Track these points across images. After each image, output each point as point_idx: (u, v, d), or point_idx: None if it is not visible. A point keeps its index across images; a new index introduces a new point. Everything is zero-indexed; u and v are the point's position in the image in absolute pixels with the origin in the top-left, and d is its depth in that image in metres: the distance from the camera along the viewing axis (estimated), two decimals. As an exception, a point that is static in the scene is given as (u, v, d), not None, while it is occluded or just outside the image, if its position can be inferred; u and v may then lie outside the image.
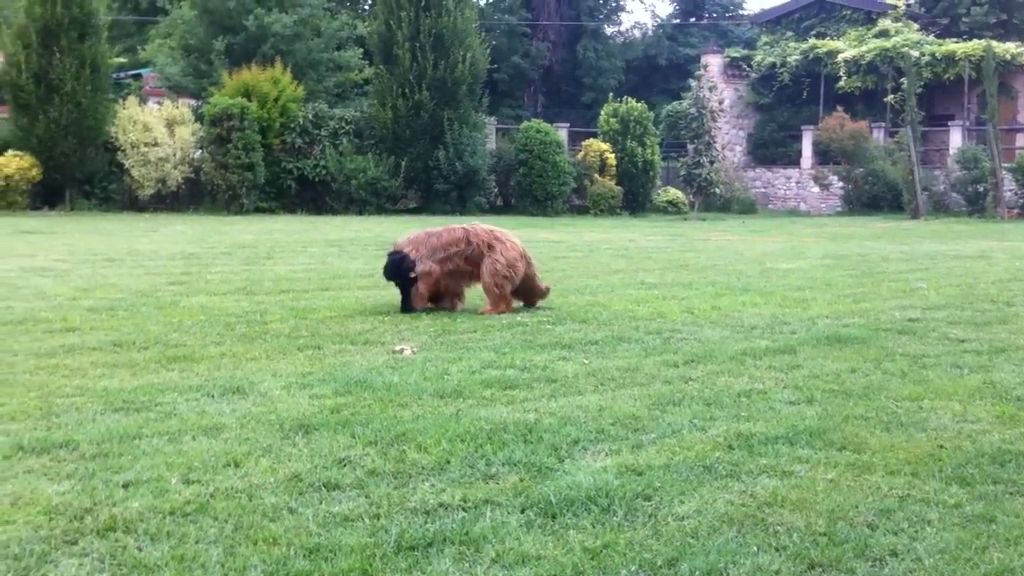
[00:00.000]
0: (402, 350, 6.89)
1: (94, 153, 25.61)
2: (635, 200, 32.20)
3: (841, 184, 35.92)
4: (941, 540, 3.58)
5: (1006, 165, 31.59)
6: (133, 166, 25.87)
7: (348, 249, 15.23)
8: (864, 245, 18.13)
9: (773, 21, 42.98)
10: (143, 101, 28.81)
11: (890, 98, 36.28)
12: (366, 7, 44.38)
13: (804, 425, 5.00)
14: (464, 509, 3.81)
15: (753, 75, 41.01)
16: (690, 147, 31.98)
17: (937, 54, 36.09)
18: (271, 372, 6.12)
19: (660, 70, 52.60)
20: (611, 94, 35.01)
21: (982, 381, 6.12)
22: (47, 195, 25.39)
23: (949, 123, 36.05)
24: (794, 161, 39.15)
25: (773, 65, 39.97)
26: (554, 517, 3.74)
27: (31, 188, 24.87)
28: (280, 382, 5.83)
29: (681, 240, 19.10)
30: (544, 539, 3.54)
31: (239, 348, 6.88)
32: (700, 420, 5.11)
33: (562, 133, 32.73)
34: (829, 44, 38.61)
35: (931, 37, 37.47)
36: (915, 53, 35.57)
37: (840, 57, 37.56)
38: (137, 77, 36.89)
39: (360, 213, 27.15)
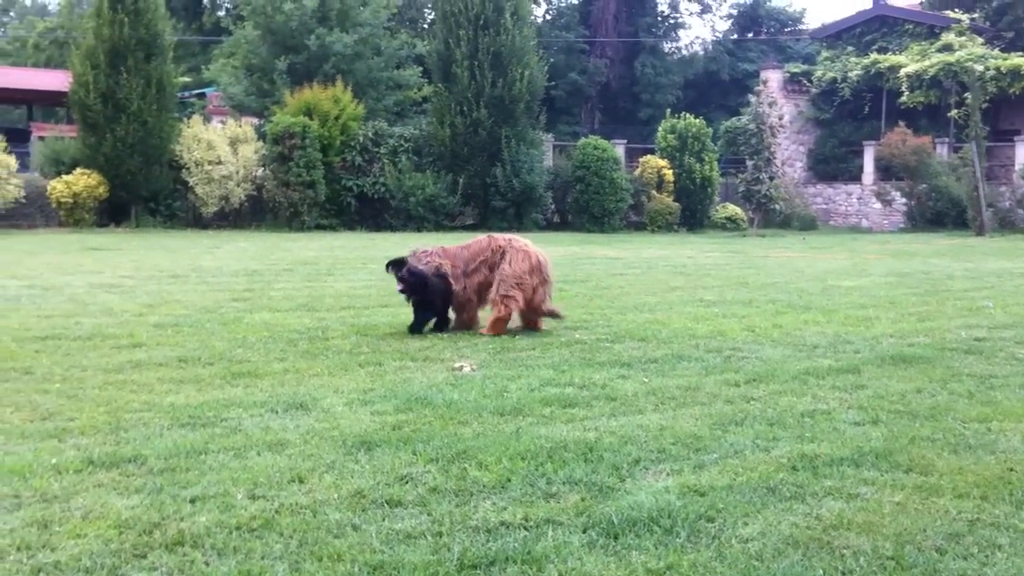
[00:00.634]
0: (461, 367, 6.91)
1: (159, 171, 26.09)
2: (693, 216, 32.02)
3: (904, 200, 35.39)
4: (1012, 566, 3.51)
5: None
6: (197, 184, 26.30)
7: (407, 266, 15.30)
8: (928, 262, 17.84)
9: (833, 36, 42.53)
10: (207, 120, 29.29)
11: (954, 113, 35.69)
12: (425, 26, 44.77)
13: (869, 446, 4.93)
14: (526, 528, 3.82)
15: (813, 90, 40.61)
16: (749, 163, 31.72)
17: (1002, 68, 35.43)
18: (333, 388, 6.18)
19: (718, 86, 52.35)
20: (669, 110, 34.88)
21: (1053, 403, 5.99)
22: (113, 212, 25.90)
23: (1015, 138, 35.34)
24: (855, 177, 38.66)
25: (834, 80, 39.54)
26: (616, 537, 3.72)
27: (98, 205, 25.38)
28: (342, 398, 5.89)
29: (740, 257, 18.95)
30: (606, 560, 3.53)
31: (302, 364, 6.96)
32: (763, 440, 5.06)
33: (619, 150, 32.67)
34: (891, 59, 38.10)
35: (996, 51, 36.80)
36: (979, 67, 34.97)
37: (902, 72, 37.04)
38: (201, 96, 37.56)
39: (418, 230, 27.33)
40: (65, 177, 24.95)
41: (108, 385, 6.20)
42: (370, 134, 28.47)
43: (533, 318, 8.74)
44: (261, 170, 27.31)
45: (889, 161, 35.23)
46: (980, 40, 37.56)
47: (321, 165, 26.78)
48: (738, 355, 7.56)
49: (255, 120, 30.22)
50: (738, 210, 33.21)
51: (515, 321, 8.74)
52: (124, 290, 11.32)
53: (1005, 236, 29.55)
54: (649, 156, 32.46)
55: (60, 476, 4.35)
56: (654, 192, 31.19)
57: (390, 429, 5.19)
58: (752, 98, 31.83)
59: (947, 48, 37.04)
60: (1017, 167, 33.84)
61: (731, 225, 32.68)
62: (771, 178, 31.04)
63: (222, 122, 29.29)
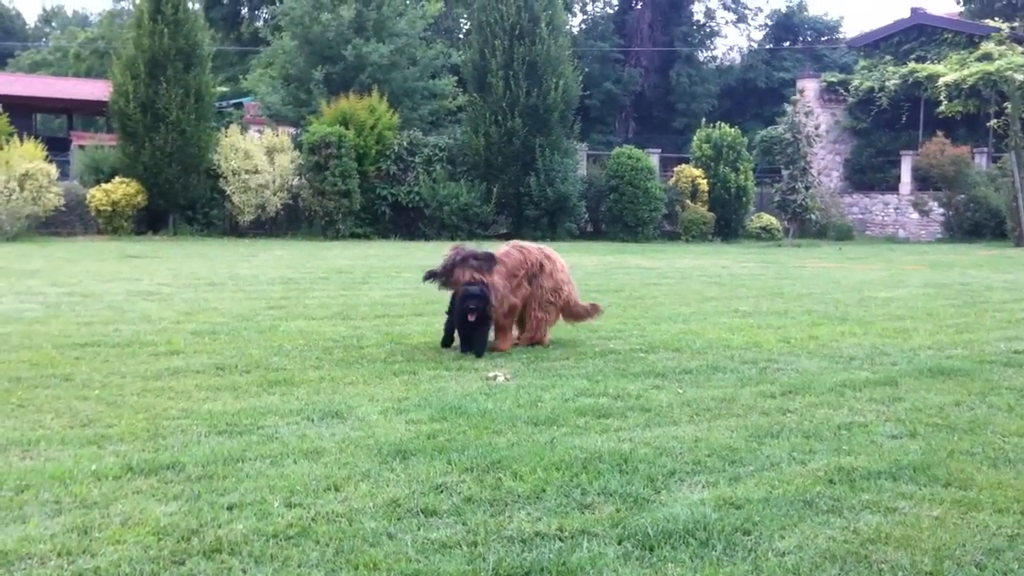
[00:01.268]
0: (495, 376, 6.93)
1: (197, 180, 26.35)
2: (727, 226, 31.88)
3: (941, 210, 35.04)
4: (1054, 583, 3.47)
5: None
6: (234, 192, 26.54)
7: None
8: (966, 273, 17.65)
9: (871, 45, 42.22)
10: (244, 129, 29.56)
11: (993, 123, 35.29)
12: (461, 36, 44.96)
13: (907, 460, 4.89)
14: (561, 539, 3.82)
15: (850, 99, 40.33)
16: (785, 172, 31.55)
17: (1043, 77, 35.04)
18: (368, 397, 6.21)
19: (754, 95, 52.15)
20: (704, 119, 34.78)
21: (1095, 417, 5.90)
22: (151, 220, 26.19)
23: (1056, 148, 34.90)
24: (892, 187, 38.33)
25: (871, 89, 39.25)
26: (651, 549, 3.72)
27: (136, 213, 25.68)
28: (377, 407, 5.92)
29: (776, 267, 18.84)
30: (642, 572, 3.52)
31: (337, 372, 7.00)
32: (799, 453, 5.03)
33: (653, 159, 32.60)
34: (929, 68, 37.76)
35: (1036, 60, 36.38)
36: (1020, 76, 34.54)
37: (941, 81, 36.69)
38: (239, 106, 37.91)
39: (452, 238, 27.37)
40: (104, 185, 25.27)
41: (146, 392, 6.27)
42: (405, 143, 28.60)
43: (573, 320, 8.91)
44: (297, 179, 27.50)
45: (927, 171, 34.90)
46: (1020, 49, 37.11)
47: (356, 174, 26.94)
48: (773, 366, 7.52)
49: (292, 130, 30.45)
50: (773, 220, 33.02)
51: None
52: (162, 298, 11.44)
53: (1045, 247, 29.16)
54: (684, 165, 32.36)
55: (99, 482, 4.40)
56: (688, 201, 31.09)
57: (425, 438, 5.20)
58: (788, 107, 31.67)
59: (986, 57, 36.65)
60: (1058, 177, 33.40)
61: (766, 235, 32.51)
62: (807, 188, 30.86)
63: (259, 131, 29.56)
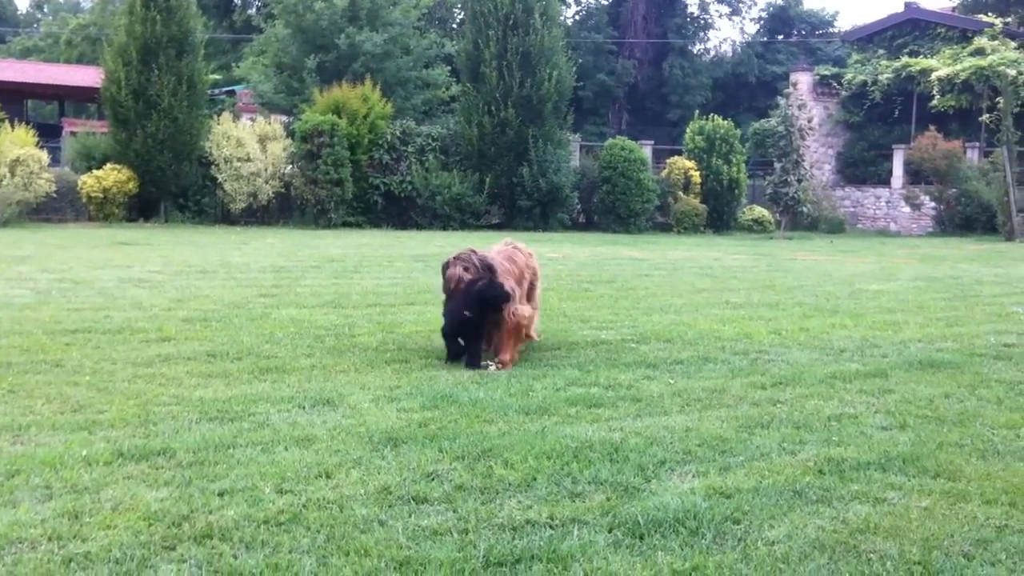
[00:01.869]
0: (487, 365, 6.93)
1: (189, 167, 26.26)
2: (720, 218, 31.91)
3: (933, 204, 35.13)
4: (1041, 573, 3.49)
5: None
6: (226, 180, 26.46)
7: (433, 264, 15.33)
8: (957, 267, 17.70)
9: (864, 39, 42.25)
10: (237, 117, 29.45)
11: (985, 118, 35.37)
12: (454, 26, 44.84)
13: (897, 451, 4.91)
14: (551, 527, 3.83)
15: (843, 93, 40.36)
16: (777, 165, 31.57)
17: (1035, 72, 35.11)
18: (360, 385, 6.21)
19: (747, 88, 52.14)
20: (697, 111, 34.78)
21: (1084, 410, 5.93)
22: (143, 207, 26.10)
23: (1047, 143, 35.00)
24: (884, 180, 38.39)
25: (864, 83, 39.28)
26: (642, 538, 3.73)
27: (128, 200, 25.57)
28: (369, 395, 5.92)
29: (767, 259, 18.87)
30: (632, 560, 3.53)
31: (329, 360, 7.00)
32: (789, 444, 5.05)
33: (646, 150, 32.58)
34: (922, 62, 37.80)
35: (1029, 55, 36.45)
36: (1012, 72, 34.62)
37: (934, 76, 36.74)
38: (231, 94, 37.77)
39: (444, 228, 27.38)
40: (96, 172, 25.18)
41: (137, 378, 6.26)
42: (398, 133, 28.55)
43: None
44: (289, 167, 27.43)
45: (919, 165, 34.97)
46: (1013, 44, 37.19)
47: (349, 163, 26.88)
48: (764, 358, 7.54)
49: (284, 118, 30.36)
50: (765, 212, 33.07)
51: None
52: (153, 285, 11.42)
53: (1036, 242, 29.26)
54: (676, 157, 32.38)
55: (90, 468, 4.40)
56: (681, 193, 31.11)
57: (416, 426, 5.21)
58: (781, 100, 31.67)
59: (979, 52, 36.71)
60: (1049, 172, 33.50)
61: (758, 227, 32.55)
62: (799, 180, 30.87)
63: (251, 119, 29.46)
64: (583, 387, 6.32)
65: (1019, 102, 34.14)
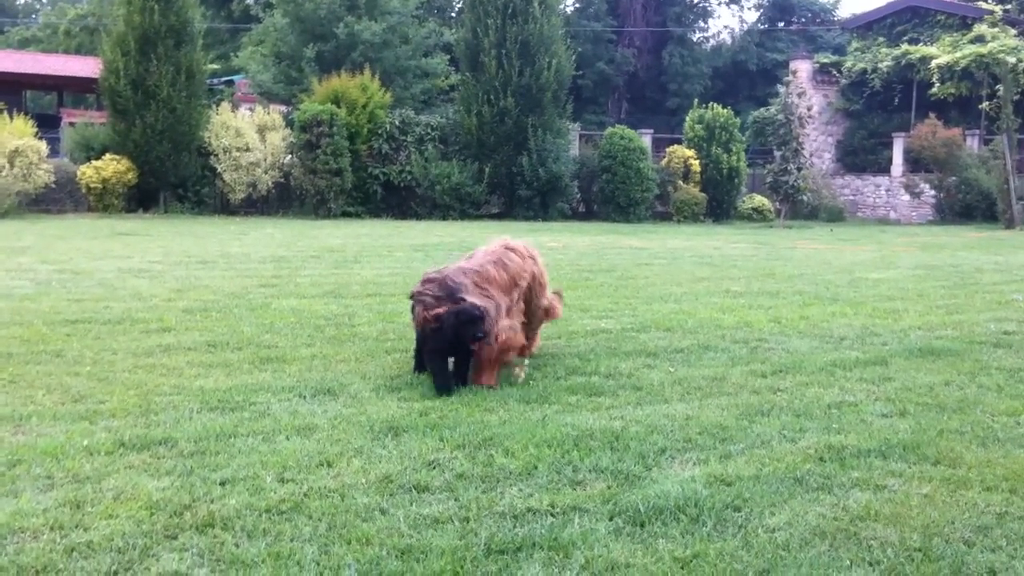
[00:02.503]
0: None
1: (188, 158, 26.21)
2: (719, 207, 31.88)
3: (933, 192, 35.09)
4: (1041, 560, 3.50)
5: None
6: (225, 170, 26.42)
7: (433, 254, 15.36)
8: (957, 255, 17.70)
9: (864, 27, 42.16)
10: (235, 107, 29.38)
11: (985, 105, 35.30)
12: (453, 15, 44.74)
13: (897, 438, 4.92)
14: (552, 515, 3.84)
15: (843, 81, 40.29)
16: (777, 154, 31.52)
17: (1035, 60, 35.05)
18: (360, 374, 6.22)
19: (747, 76, 52.04)
20: (696, 100, 34.71)
21: (1083, 397, 5.94)
22: (142, 198, 26.06)
23: (1047, 131, 34.94)
24: (884, 169, 38.34)
25: (864, 71, 39.20)
26: (642, 525, 3.74)
27: (127, 191, 25.53)
28: (369, 384, 5.93)
29: (767, 248, 18.86)
30: (633, 547, 3.54)
31: (329, 350, 7.01)
32: (790, 431, 5.06)
33: (646, 139, 32.53)
34: (922, 50, 37.71)
35: (1029, 42, 36.38)
36: (1012, 59, 34.54)
37: (933, 63, 36.66)
38: (230, 83, 37.68)
39: (444, 218, 27.36)
40: (95, 163, 25.13)
41: (138, 368, 6.27)
42: (397, 122, 28.50)
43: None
44: (288, 157, 27.40)
45: (919, 153, 34.92)
46: (1013, 32, 37.12)
47: (348, 153, 26.84)
48: (764, 346, 7.54)
49: (283, 108, 30.30)
50: (765, 201, 33.03)
51: None
52: (153, 275, 11.41)
53: (1036, 229, 29.25)
54: (676, 146, 32.32)
55: (92, 457, 4.40)
56: (681, 182, 31.07)
57: (417, 415, 5.22)
58: (781, 88, 31.61)
59: (979, 39, 36.63)
60: (1049, 160, 33.46)
61: (758, 216, 32.52)
62: (799, 169, 30.83)
63: (250, 109, 29.40)
64: (583, 376, 6.32)
65: (1019, 89, 34.08)
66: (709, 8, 56.07)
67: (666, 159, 31.64)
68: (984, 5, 38.82)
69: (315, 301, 9.51)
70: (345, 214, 27.06)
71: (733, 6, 57.87)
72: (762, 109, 35.17)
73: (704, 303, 10.01)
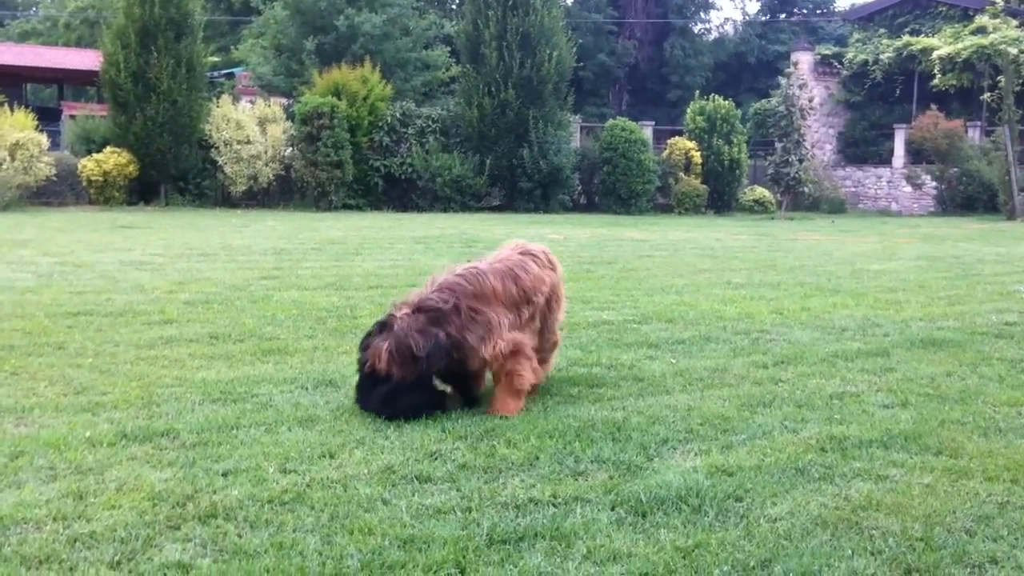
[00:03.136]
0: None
1: (188, 150, 26.21)
2: (721, 199, 31.86)
3: (934, 184, 35.07)
4: (1043, 549, 3.50)
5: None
6: (226, 163, 26.42)
7: (434, 246, 15.37)
8: (958, 246, 17.69)
9: (865, 18, 42.10)
10: (236, 100, 29.39)
11: (987, 96, 35.29)
12: (454, 6, 44.67)
13: (899, 429, 4.92)
14: (554, 505, 3.84)
15: (844, 73, 40.24)
16: (778, 145, 31.50)
17: (1036, 51, 34.99)
18: (362, 366, 6.21)
19: (748, 68, 51.98)
20: (698, 92, 34.68)
21: (1085, 388, 5.94)
22: (143, 191, 26.06)
23: (1049, 122, 34.88)
24: (885, 160, 38.32)
25: (865, 63, 39.16)
26: (644, 515, 3.74)
27: (128, 184, 25.54)
28: (371, 376, 5.91)
29: (768, 240, 18.85)
30: (635, 537, 3.54)
31: (331, 342, 7.01)
32: (791, 422, 5.06)
33: (647, 131, 32.50)
34: (924, 41, 37.66)
35: (1031, 34, 36.31)
36: (1013, 50, 34.50)
37: (935, 55, 36.61)
38: (230, 76, 37.66)
39: (445, 210, 27.36)
40: (95, 156, 25.14)
41: (140, 360, 6.27)
42: (398, 114, 28.48)
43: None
44: (289, 150, 27.39)
45: (920, 144, 34.89)
46: (1014, 23, 37.05)
47: (349, 145, 26.83)
48: (766, 337, 7.54)
49: (284, 100, 30.28)
50: (766, 193, 33.01)
51: None
52: (154, 267, 11.42)
53: (1037, 221, 29.23)
54: (677, 138, 32.28)
55: (94, 449, 4.41)
56: (682, 174, 31.05)
57: (419, 406, 5.20)
58: (782, 80, 31.58)
59: (981, 31, 36.57)
60: (1051, 151, 33.43)
61: (759, 208, 32.50)
62: (800, 161, 30.82)
63: (251, 102, 29.39)
64: (585, 367, 6.33)
65: (1020, 81, 34.05)
66: (710, 0, 55.97)
67: (667, 151, 31.62)
68: (985, -4, 38.74)
69: (317, 293, 9.52)
70: (346, 206, 27.06)
71: (734, -2, 57.75)
72: (763, 101, 35.12)
73: (705, 294, 10.01)
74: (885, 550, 3.46)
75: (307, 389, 5.59)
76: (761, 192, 33.18)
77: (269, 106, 27.85)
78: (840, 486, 4.09)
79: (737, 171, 32.14)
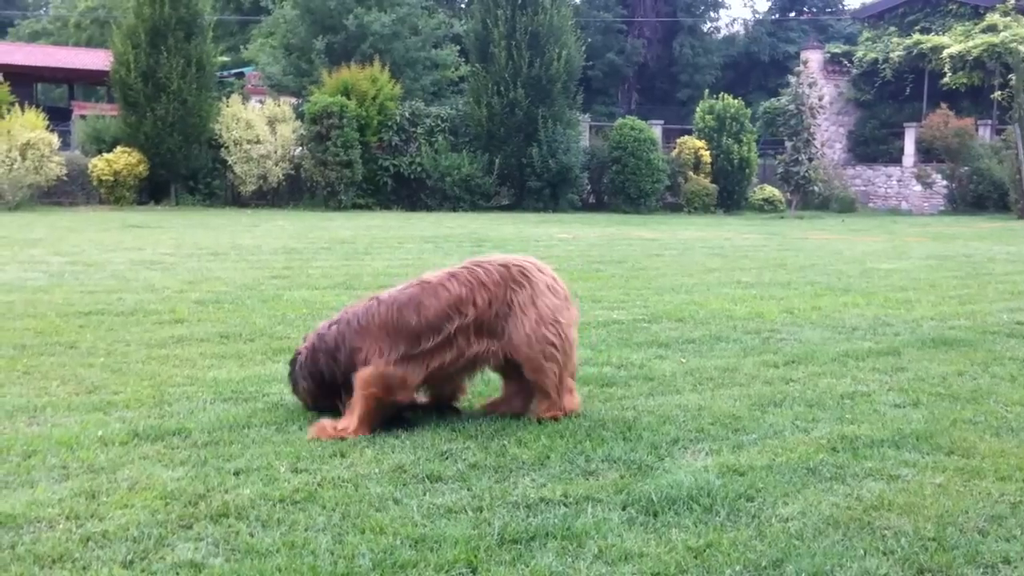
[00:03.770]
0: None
1: (198, 150, 26.29)
2: (730, 198, 31.82)
3: (945, 183, 34.98)
4: (1056, 549, 3.49)
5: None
6: (236, 163, 26.49)
7: (443, 246, 15.38)
8: (969, 245, 17.63)
9: (875, 16, 42.00)
10: (246, 99, 29.47)
11: (997, 95, 35.16)
12: (463, 5, 44.68)
13: (910, 429, 4.91)
14: (565, 504, 3.84)
15: (854, 71, 40.16)
16: (788, 144, 31.46)
17: (1048, 49, 34.85)
18: (372, 365, 6.21)
19: (758, 66, 51.89)
20: (707, 91, 34.65)
21: (1098, 387, 5.91)
22: (153, 190, 26.16)
23: (1060, 120, 34.75)
24: (895, 159, 38.22)
25: (875, 61, 39.07)
26: (656, 515, 3.73)
27: (138, 183, 25.64)
28: (381, 375, 5.91)
29: (778, 239, 18.82)
30: (646, 537, 3.54)
31: (341, 341, 7.00)
32: (802, 421, 5.05)
33: (656, 130, 32.49)
34: (934, 39, 37.56)
35: (1042, 31, 36.18)
36: (1024, 48, 34.42)
37: (945, 53, 36.51)
38: (240, 76, 37.73)
39: (454, 210, 27.37)
40: (106, 155, 25.23)
41: (151, 360, 6.29)
42: (407, 114, 28.51)
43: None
44: (299, 149, 27.45)
45: (930, 143, 34.81)
46: (1026, 20, 36.92)
47: (358, 145, 26.88)
48: (776, 337, 7.53)
49: (293, 100, 30.33)
50: (776, 192, 32.97)
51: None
52: (165, 267, 11.45)
53: (1048, 220, 29.12)
54: (687, 137, 32.27)
55: (106, 448, 4.42)
56: (691, 173, 31.03)
57: (429, 406, 5.21)
58: (792, 79, 31.55)
59: (991, 29, 36.45)
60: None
61: (769, 207, 32.45)
62: (810, 159, 30.78)
63: (260, 101, 29.46)
64: (595, 367, 6.32)
65: (1031, 79, 33.91)
66: (719, -1, 55.92)
67: (677, 150, 31.60)
68: (996, -6, 38.61)
69: (327, 292, 9.53)
70: (355, 206, 27.10)
71: (744, -4, 57.64)
72: (773, 100, 35.03)
73: (715, 294, 9.99)
74: (897, 550, 3.45)
75: (318, 388, 5.58)
76: (771, 191, 33.13)
77: (279, 105, 27.91)
78: (852, 486, 4.08)
79: (747, 170, 32.10)
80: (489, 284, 4.92)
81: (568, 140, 28.80)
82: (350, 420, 4.72)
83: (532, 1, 28.61)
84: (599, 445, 4.56)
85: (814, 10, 55.96)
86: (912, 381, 6.01)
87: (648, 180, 29.36)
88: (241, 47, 39.66)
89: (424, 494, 3.92)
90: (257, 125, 26.72)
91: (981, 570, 3.33)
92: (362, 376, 4.76)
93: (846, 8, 54.69)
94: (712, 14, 55.90)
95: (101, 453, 4.34)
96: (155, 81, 25.35)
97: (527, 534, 3.53)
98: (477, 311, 4.87)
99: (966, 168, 33.67)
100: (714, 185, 31.12)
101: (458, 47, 34.65)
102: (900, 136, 38.02)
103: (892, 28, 40.25)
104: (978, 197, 33.36)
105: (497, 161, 28.40)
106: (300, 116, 27.73)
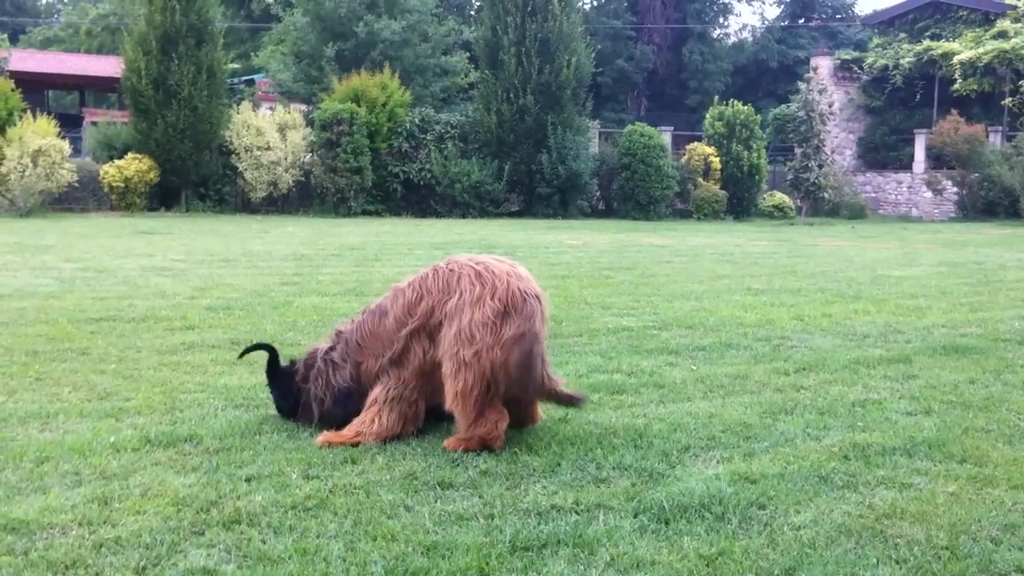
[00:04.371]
0: None
1: (209, 156, 26.36)
2: (740, 204, 31.76)
3: (955, 189, 34.86)
4: (1070, 558, 3.47)
5: None
6: (246, 169, 26.55)
7: (453, 252, 15.36)
8: (980, 252, 17.58)
9: (886, 22, 41.92)
10: (256, 106, 29.53)
11: (1008, 101, 35.07)
12: (472, 12, 44.75)
13: (922, 436, 4.89)
14: (576, 512, 3.84)
15: (864, 77, 40.07)
16: (798, 151, 31.38)
17: (1059, 56, 34.77)
18: (383, 372, 6.21)
19: (767, 73, 51.82)
20: (716, 97, 34.61)
21: (1110, 395, 5.89)
22: (164, 196, 26.23)
23: (1071, 127, 34.67)
24: (906, 165, 38.11)
25: (885, 67, 38.99)
26: (667, 523, 3.73)
27: (149, 190, 25.71)
28: (392, 382, 5.92)
29: (788, 245, 18.79)
30: (658, 544, 3.54)
31: (351, 348, 7.01)
32: (814, 429, 5.04)
33: (666, 137, 32.45)
34: (944, 46, 37.47)
35: (1053, 38, 36.08)
36: (1035, 55, 34.32)
37: (956, 59, 36.41)
38: (250, 83, 37.84)
39: (463, 216, 27.39)
40: (117, 162, 25.32)
41: (163, 366, 6.31)
42: (417, 120, 28.54)
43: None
44: (309, 156, 27.51)
45: (941, 150, 34.70)
46: (1036, 27, 36.82)
47: (368, 151, 26.91)
48: (787, 344, 7.52)
49: (303, 106, 30.41)
50: (786, 198, 32.88)
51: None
52: (176, 273, 11.48)
53: (1060, 226, 29.02)
54: (696, 143, 32.23)
55: (119, 454, 4.43)
56: (701, 180, 30.99)
57: (440, 413, 5.21)
58: (802, 85, 31.46)
59: (1002, 35, 36.35)
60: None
61: (779, 213, 32.37)
62: (820, 166, 30.69)
63: (271, 108, 29.53)
64: (605, 374, 6.32)
65: (1043, 85, 33.85)
66: (729, 5, 55.90)
67: (686, 156, 31.56)
68: (1007, 0, 38.52)
69: (337, 299, 9.55)
70: (365, 212, 27.13)
71: (754, 2, 57.70)
72: (783, 106, 34.94)
73: (726, 301, 9.98)
74: (910, 559, 3.44)
75: (329, 395, 5.59)
76: (781, 198, 33.05)
77: (289, 112, 27.99)
78: (864, 494, 4.08)
79: (756, 176, 32.03)
80: (433, 290, 4.81)
81: (578, 147, 28.80)
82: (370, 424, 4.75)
83: (542, 8, 28.63)
84: (610, 452, 4.56)
85: (824, 16, 55.88)
86: (923, 389, 6.00)
87: (658, 187, 29.33)
88: (252, 54, 39.78)
89: (435, 501, 3.92)
90: (267, 132, 26.79)
91: (994, 579, 3.32)
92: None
93: (856, 14, 54.59)
94: (722, 20, 55.93)
95: (113, 459, 4.36)
96: (166, 88, 25.43)
97: (538, 541, 3.53)
98: (421, 318, 4.79)
99: (976, 175, 33.56)
100: (724, 192, 31.07)
101: (468, 54, 34.68)
102: (910, 142, 37.92)
103: (902, 34, 40.17)
104: (989, 204, 33.25)
105: (507, 168, 28.40)
106: (310, 123, 27.78)
